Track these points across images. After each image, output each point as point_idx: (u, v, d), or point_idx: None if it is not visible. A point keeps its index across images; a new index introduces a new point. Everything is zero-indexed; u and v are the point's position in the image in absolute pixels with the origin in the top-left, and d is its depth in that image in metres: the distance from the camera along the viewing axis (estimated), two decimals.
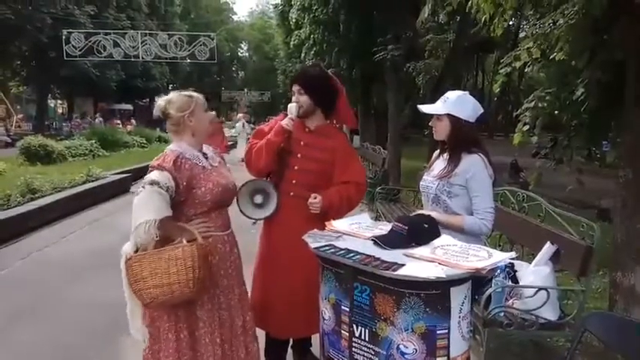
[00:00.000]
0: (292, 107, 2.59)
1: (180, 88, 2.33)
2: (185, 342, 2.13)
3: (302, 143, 2.62)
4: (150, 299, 1.99)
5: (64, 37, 21.51)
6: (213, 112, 2.79)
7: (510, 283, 2.81)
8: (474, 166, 2.17)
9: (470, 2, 3.96)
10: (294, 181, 2.61)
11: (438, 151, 2.41)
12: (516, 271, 2.86)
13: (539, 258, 2.85)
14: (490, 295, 2.67)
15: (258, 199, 2.67)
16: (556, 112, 4.51)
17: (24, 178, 7.83)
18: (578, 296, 2.76)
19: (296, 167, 2.61)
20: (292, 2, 14.13)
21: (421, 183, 2.38)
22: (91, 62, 26.08)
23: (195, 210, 2.15)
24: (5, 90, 30.01)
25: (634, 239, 2.84)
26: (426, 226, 2.01)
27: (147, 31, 25.59)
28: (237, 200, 2.63)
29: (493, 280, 2.69)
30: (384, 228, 2.11)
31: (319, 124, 2.67)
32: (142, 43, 22.48)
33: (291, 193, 2.61)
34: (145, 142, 19.31)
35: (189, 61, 27.43)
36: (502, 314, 2.66)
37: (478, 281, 1.76)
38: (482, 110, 2.29)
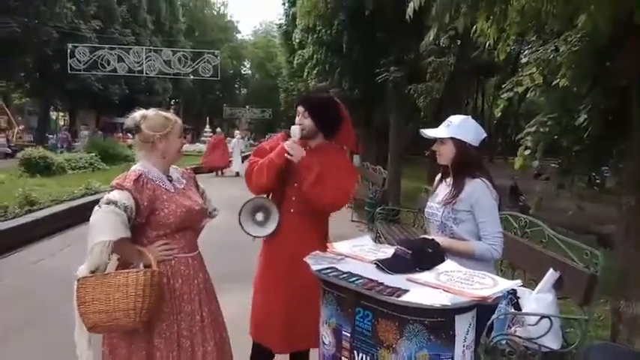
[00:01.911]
0: (296, 130, 2.60)
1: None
2: None
3: (301, 162, 2.60)
4: (91, 324, 1.92)
5: (69, 50, 21.71)
6: (186, 139, 2.66)
7: (513, 310, 2.77)
8: (479, 190, 2.16)
9: (474, 27, 3.99)
10: (293, 198, 2.62)
11: (440, 175, 2.39)
12: (519, 297, 2.82)
13: (542, 285, 2.81)
14: (492, 322, 2.63)
15: (260, 216, 2.69)
16: (555, 136, 4.51)
17: (22, 189, 7.81)
18: (581, 325, 2.72)
19: (296, 184, 2.61)
20: (296, 23, 14.28)
21: (426, 210, 2.36)
22: (94, 76, 26.25)
23: (158, 232, 2.08)
24: (7, 101, 30.13)
25: (638, 267, 2.81)
26: (430, 250, 1.99)
27: (151, 47, 25.86)
28: (240, 218, 2.65)
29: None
30: (386, 251, 2.09)
31: (319, 143, 2.69)
32: (146, 58, 22.71)
33: (292, 210, 2.63)
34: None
35: (192, 77, 27.63)
36: (504, 342, 2.62)
37: (485, 309, 1.73)
38: (484, 134, 2.29)
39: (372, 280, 1.74)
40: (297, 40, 14.37)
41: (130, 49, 23.60)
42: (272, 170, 2.57)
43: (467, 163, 2.21)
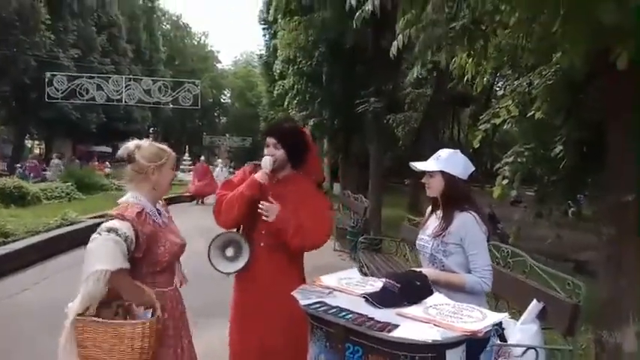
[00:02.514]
0: (267, 161, 2.56)
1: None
2: None
3: (271, 193, 2.58)
4: None
5: (46, 79, 21.46)
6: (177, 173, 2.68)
7: (499, 341, 2.77)
8: (468, 224, 2.20)
9: (453, 60, 4.12)
10: (263, 232, 2.58)
11: (430, 208, 2.43)
12: (504, 328, 2.83)
13: (526, 316, 2.82)
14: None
15: (230, 251, 2.63)
16: (530, 166, 4.63)
17: None
18: (565, 356, 2.74)
19: (265, 217, 2.56)
20: (277, 54, 14.50)
21: (417, 242, 2.39)
22: (72, 105, 25.91)
23: (149, 269, 2.02)
24: None
25: (620, 297, 2.86)
26: (418, 283, 1.99)
27: (131, 76, 25.78)
28: (209, 254, 2.59)
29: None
30: (374, 284, 2.08)
31: (286, 174, 2.67)
32: (125, 87, 22.51)
33: (262, 244, 2.59)
34: (123, 185, 18.94)
35: (172, 106, 27.54)
36: None
37: (474, 342, 1.73)
38: (473, 168, 2.34)
39: (361, 315, 1.73)
40: (278, 71, 14.60)
41: (110, 77, 23.41)
42: (243, 203, 2.53)
43: (455, 196, 2.25)
